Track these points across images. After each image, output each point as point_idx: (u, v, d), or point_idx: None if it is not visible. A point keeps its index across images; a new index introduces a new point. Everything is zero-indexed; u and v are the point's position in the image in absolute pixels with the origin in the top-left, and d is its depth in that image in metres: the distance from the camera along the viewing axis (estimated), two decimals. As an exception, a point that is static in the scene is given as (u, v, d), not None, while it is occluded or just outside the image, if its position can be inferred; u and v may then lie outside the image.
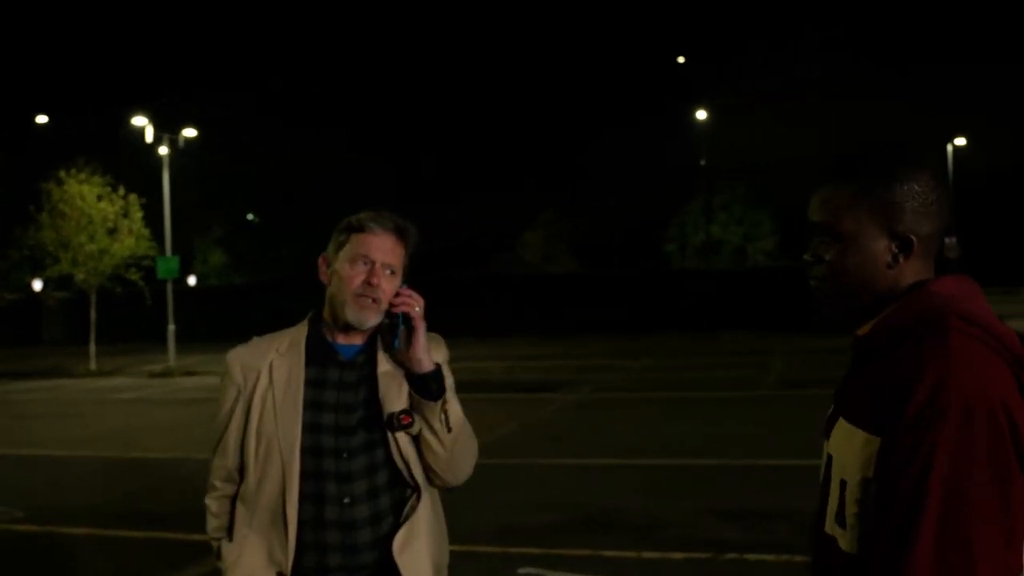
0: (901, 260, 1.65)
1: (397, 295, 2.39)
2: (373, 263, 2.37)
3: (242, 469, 2.43)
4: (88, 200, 24.33)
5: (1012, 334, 1.59)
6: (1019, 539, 1.48)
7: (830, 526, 1.66)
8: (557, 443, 10.96)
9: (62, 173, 24.53)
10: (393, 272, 2.41)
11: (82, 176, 24.50)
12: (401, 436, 2.38)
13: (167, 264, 25.29)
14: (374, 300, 2.36)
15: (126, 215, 24.87)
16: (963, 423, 1.45)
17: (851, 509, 1.59)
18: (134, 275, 24.90)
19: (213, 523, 2.50)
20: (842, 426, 1.66)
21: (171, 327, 25.21)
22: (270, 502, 2.36)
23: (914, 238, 1.64)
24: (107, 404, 16.98)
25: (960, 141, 42.73)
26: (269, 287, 37.84)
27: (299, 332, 2.48)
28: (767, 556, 6.09)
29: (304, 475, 2.34)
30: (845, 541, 1.60)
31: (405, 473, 2.40)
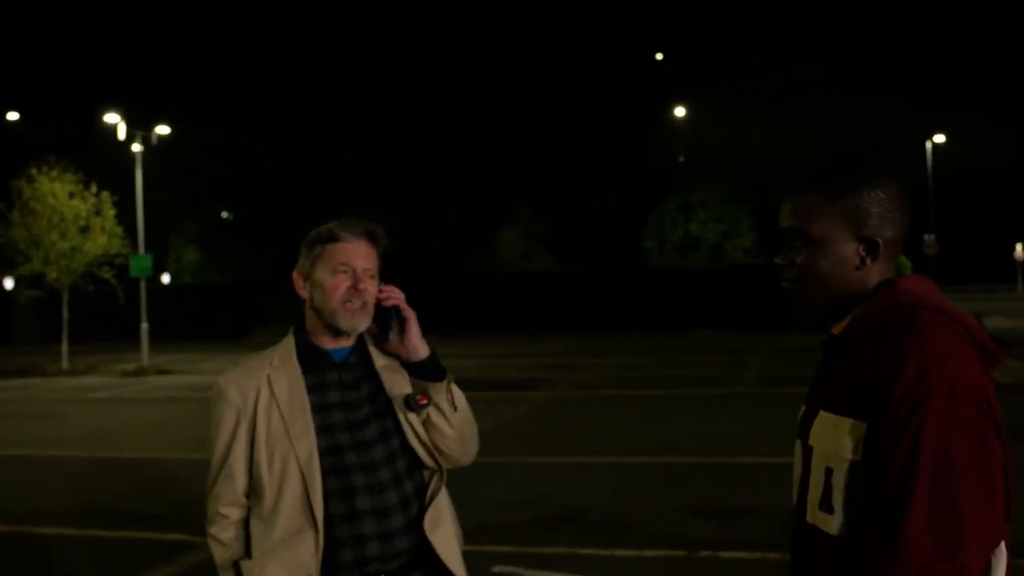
0: (868, 262, 1.78)
1: (380, 291, 2.48)
2: (354, 270, 2.44)
3: (250, 489, 2.43)
4: (60, 198, 24.06)
5: (974, 322, 1.74)
6: (1001, 506, 1.61)
7: (812, 516, 1.75)
8: (532, 441, 10.94)
9: (33, 171, 24.24)
10: (372, 276, 2.48)
11: (54, 174, 24.23)
12: (415, 422, 2.47)
13: (140, 262, 25.08)
14: (362, 304, 2.44)
15: (98, 213, 24.61)
16: (946, 401, 1.57)
17: (838, 494, 1.68)
18: (107, 273, 24.67)
19: (225, 554, 2.45)
20: (824, 418, 1.75)
21: (144, 325, 25.01)
22: (293, 510, 2.36)
23: (880, 241, 1.77)
24: (79, 403, 16.80)
25: (940, 139, 42.98)
26: (244, 286, 37.62)
27: (287, 345, 2.53)
28: (741, 553, 6.08)
29: (326, 474, 2.37)
30: (833, 525, 1.69)
31: (423, 455, 2.49)
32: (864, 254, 1.77)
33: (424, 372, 2.49)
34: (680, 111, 43.69)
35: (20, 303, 38.45)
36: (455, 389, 2.54)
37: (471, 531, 7.09)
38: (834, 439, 1.71)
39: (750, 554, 6.05)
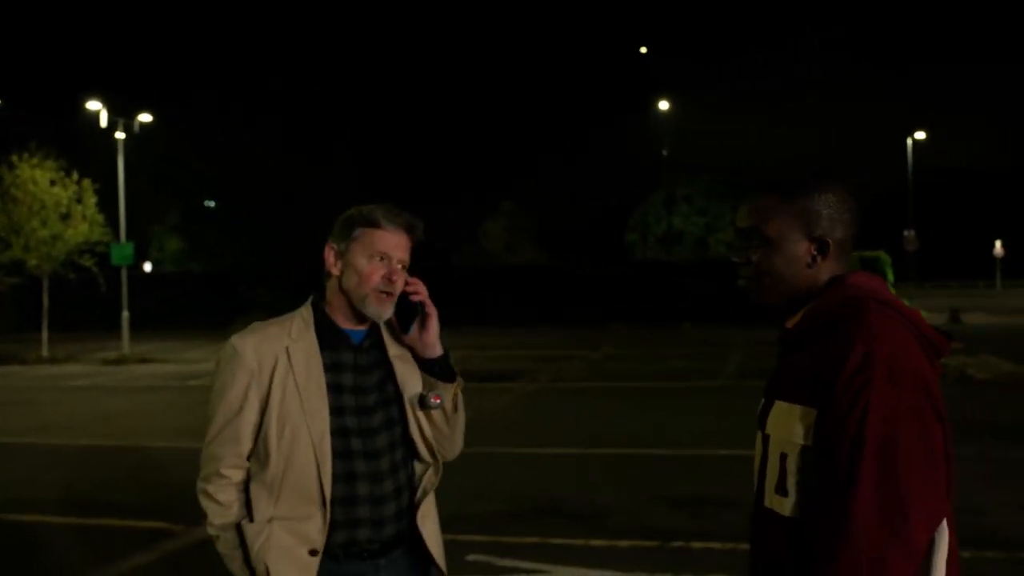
0: (819, 261, 1.90)
1: (407, 284, 2.51)
2: (391, 260, 2.46)
3: (253, 455, 2.44)
4: (41, 185, 23.91)
5: (918, 315, 1.86)
6: (942, 482, 1.72)
7: (769, 500, 1.86)
8: (510, 432, 10.98)
9: (14, 157, 24.09)
10: (404, 268, 2.51)
11: (35, 161, 24.08)
12: (422, 416, 2.52)
13: (121, 250, 24.96)
14: (391, 295, 2.47)
15: (80, 200, 24.48)
16: (889, 384, 1.68)
17: (792, 478, 1.80)
18: (88, 261, 24.55)
19: (221, 514, 2.43)
20: (779, 407, 1.87)
21: (125, 314, 24.92)
22: (301, 484, 2.39)
23: (830, 241, 1.89)
24: (59, 391, 16.74)
25: (920, 135, 43.13)
26: (226, 276, 37.48)
27: (304, 317, 2.52)
28: (713, 544, 6.15)
29: (334, 455, 2.41)
30: (787, 507, 1.80)
31: (423, 450, 2.55)
32: (815, 253, 1.89)
33: (435, 370, 2.53)
34: (664, 105, 43.76)
35: (0, 291, 38.24)
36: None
37: (446, 520, 7.13)
38: (787, 426, 1.82)
39: (723, 544, 6.11)
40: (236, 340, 2.45)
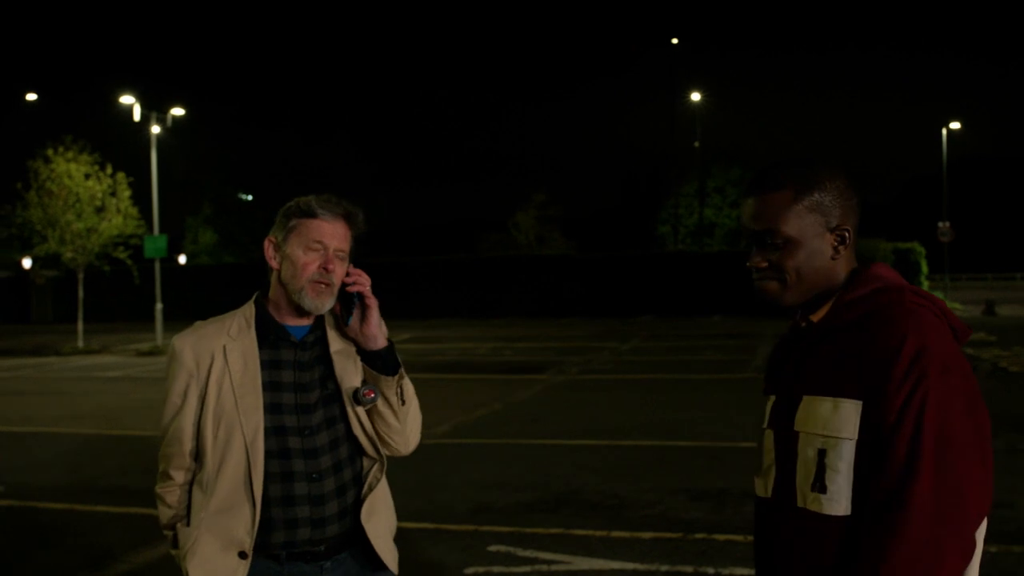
0: (842, 251, 1.87)
1: (348, 275, 2.45)
2: (327, 249, 2.41)
3: (197, 454, 2.44)
4: (76, 178, 24.24)
5: (945, 305, 1.85)
6: (991, 475, 1.72)
7: (803, 499, 1.80)
8: (537, 423, 11.00)
9: (49, 151, 24.42)
10: (343, 257, 2.45)
11: (70, 154, 24.40)
12: (361, 412, 2.46)
13: (155, 243, 25.24)
14: (328, 285, 2.42)
15: (114, 194, 24.78)
16: (943, 376, 1.69)
17: (834, 474, 1.75)
18: (122, 254, 24.85)
19: (168, 513, 2.50)
20: (813, 401, 1.81)
21: (159, 306, 25.20)
22: (232, 484, 2.37)
23: (849, 229, 1.87)
24: (93, 382, 16.97)
25: (955, 126, 42.54)
26: (260, 266, 37.70)
27: (246, 314, 2.50)
28: (735, 536, 6.13)
29: (270, 455, 2.38)
30: (827, 505, 1.75)
31: (367, 444, 2.49)
32: (837, 243, 1.86)
33: (378, 362, 2.47)
34: (696, 97, 43.49)
35: (37, 283, 38.77)
36: (406, 383, 2.52)
37: (470, 511, 7.17)
38: (827, 421, 1.77)
39: (745, 537, 6.08)
40: (176, 340, 2.49)
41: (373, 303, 2.46)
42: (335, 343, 2.49)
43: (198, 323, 2.53)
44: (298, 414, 2.41)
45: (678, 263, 34.85)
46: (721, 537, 6.13)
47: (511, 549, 5.95)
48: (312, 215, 2.43)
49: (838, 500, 1.74)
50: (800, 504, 1.80)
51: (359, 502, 2.47)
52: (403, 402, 2.49)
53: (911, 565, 1.62)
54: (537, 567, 5.61)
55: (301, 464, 2.39)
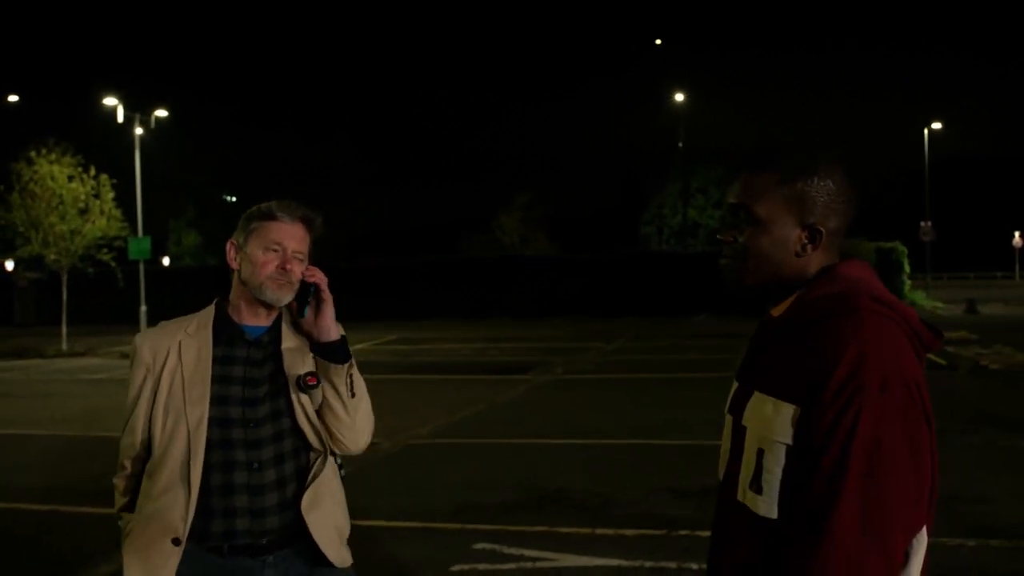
0: (809, 249, 1.80)
1: (306, 271, 2.54)
2: (285, 250, 2.51)
3: (149, 446, 2.52)
4: (59, 180, 24.12)
5: (912, 312, 1.77)
6: (926, 499, 1.67)
7: (742, 494, 1.77)
8: (521, 423, 11.04)
9: (32, 153, 24.31)
10: (301, 259, 2.55)
11: (53, 156, 24.29)
12: (307, 403, 2.52)
13: (139, 245, 25.17)
14: (288, 282, 2.52)
15: (97, 195, 24.69)
16: (881, 393, 1.61)
17: (768, 476, 1.71)
18: (106, 256, 24.77)
19: (120, 501, 2.61)
20: (758, 399, 1.77)
21: (143, 308, 25.15)
22: (172, 470, 2.45)
23: (823, 230, 1.79)
24: (77, 384, 16.91)
25: (937, 125, 42.84)
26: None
27: (207, 315, 2.63)
28: (718, 532, 6.17)
29: (212, 444, 2.45)
30: (761, 506, 1.72)
31: (312, 437, 2.53)
32: (806, 241, 1.79)
33: (330, 354, 2.54)
34: (680, 97, 43.65)
35: (20, 285, 38.56)
36: (356, 376, 2.58)
37: (455, 510, 7.19)
38: (768, 421, 1.73)
39: (727, 533, 6.14)
40: (138, 337, 2.61)
41: (328, 298, 2.54)
42: (288, 340, 2.57)
43: (162, 322, 2.65)
44: (243, 406, 2.49)
45: (663, 263, 34.95)
46: (704, 534, 6.17)
47: (496, 547, 5.99)
48: (271, 218, 2.54)
49: (770, 503, 1.71)
50: (739, 498, 1.78)
51: (301, 495, 2.51)
52: (352, 394, 2.55)
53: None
54: (522, 564, 5.66)
55: (243, 454, 2.46)
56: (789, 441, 1.68)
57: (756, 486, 1.73)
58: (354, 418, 2.56)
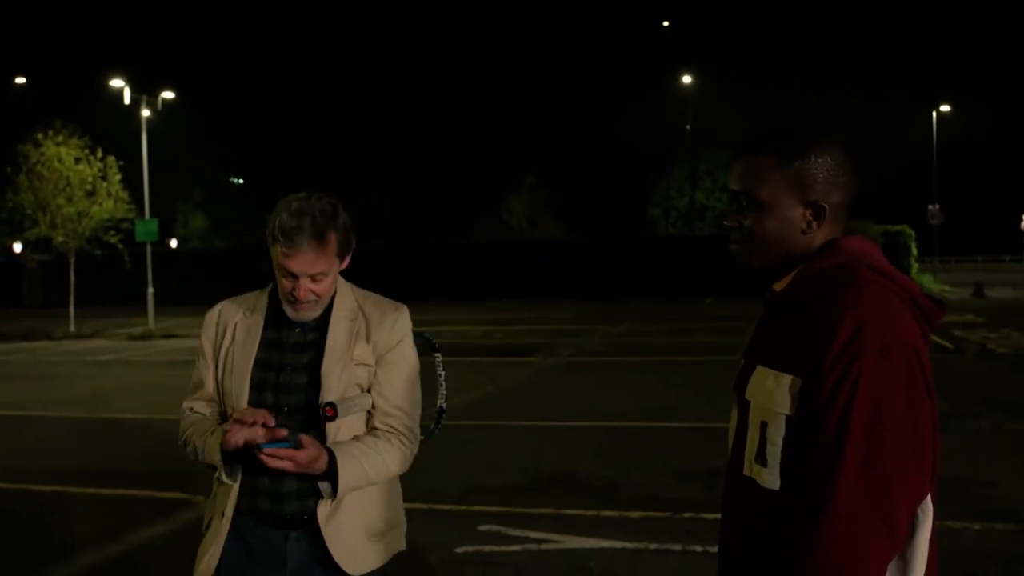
0: (814, 226, 1.82)
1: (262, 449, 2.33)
2: (298, 277, 2.43)
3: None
4: (66, 162, 24.16)
5: (913, 283, 1.79)
6: (928, 462, 1.67)
7: (748, 468, 1.80)
8: (527, 406, 11.05)
9: (40, 135, 24.33)
10: (320, 278, 2.45)
11: (60, 138, 24.31)
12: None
13: (146, 227, 25.18)
14: (306, 303, 2.48)
15: (104, 178, 24.72)
16: (879, 359, 1.62)
17: (772, 448, 1.74)
18: (113, 238, 24.82)
19: (182, 428, 2.62)
20: (761, 373, 1.80)
21: (150, 290, 25.18)
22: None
23: (826, 206, 1.80)
24: (85, 366, 16.98)
25: (945, 108, 42.60)
26: (251, 251, 37.71)
27: (265, 296, 2.62)
28: (724, 515, 6.18)
29: None
30: (767, 478, 1.74)
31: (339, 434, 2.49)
32: (811, 218, 1.81)
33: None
34: (687, 79, 43.48)
35: (28, 267, 38.68)
36: (349, 482, 2.43)
37: (461, 492, 7.21)
38: (770, 393, 1.75)
39: (733, 516, 6.15)
40: (219, 305, 2.66)
41: (284, 463, 2.33)
42: (335, 335, 2.50)
43: (234, 297, 2.69)
44: (276, 393, 2.48)
45: (671, 246, 34.91)
46: (710, 516, 6.18)
47: (501, 528, 6.00)
48: (277, 242, 2.42)
49: (774, 475, 1.73)
50: (746, 472, 1.80)
51: (315, 486, 2.45)
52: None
53: (836, 550, 1.60)
54: (527, 546, 5.67)
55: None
56: (790, 412, 1.70)
57: (761, 459, 1.75)
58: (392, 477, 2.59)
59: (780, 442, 1.72)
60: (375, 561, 2.55)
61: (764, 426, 1.76)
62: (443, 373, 2.78)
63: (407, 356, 2.57)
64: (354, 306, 2.56)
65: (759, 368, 1.81)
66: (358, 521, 2.51)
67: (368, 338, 2.52)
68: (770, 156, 1.82)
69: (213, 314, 2.63)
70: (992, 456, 7.71)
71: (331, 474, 2.39)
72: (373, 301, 2.61)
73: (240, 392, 2.47)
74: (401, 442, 2.54)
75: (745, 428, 1.83)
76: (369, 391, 2.51)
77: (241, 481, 2.47)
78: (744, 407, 1.85)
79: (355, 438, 2.49)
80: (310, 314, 2.49)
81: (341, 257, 2.49)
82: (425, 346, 2.75)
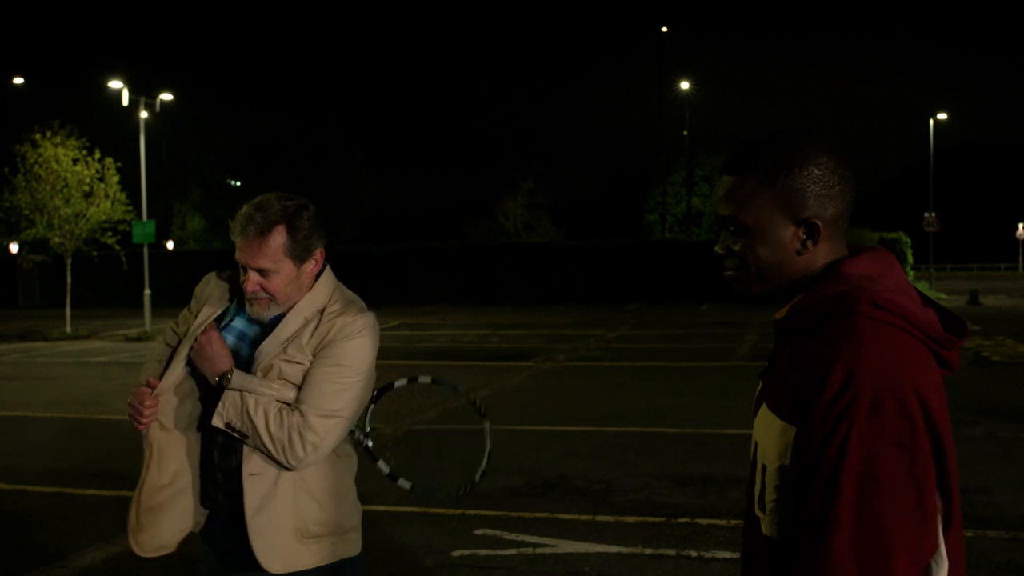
0: (810, 245, 1.66)
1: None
2: (249, 270, 2.44)
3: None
4: (64, 163, 24.13)
5: (928, 312, 1.64)
6: (932, 521, 1.52)
7: (756, 508, 1.70)
8: (524, 410, 11.07)
9: (37, 136, 24.31)
10: (269, 272, 2.42)
11: (57, 139, 24.29)
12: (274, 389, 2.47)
13: (143, 228, 25.18)
14: (260, 299, 2.47)
15: (102, 179, 24.69)
16: (872, 414, 1.48)
17: (770, 495, 1.63)
18: (110, 239, 24.81)
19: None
20: (764, 412, 1.69)
21: (147, 291, 25.17)
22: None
23: (819, 223, 1.65)
24: (81, 367, 16.97)
25: (942, 116, 42.70)
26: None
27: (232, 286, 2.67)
28: (719, 520, 6.22)
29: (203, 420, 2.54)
30: (765, 524, 1.65)
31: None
32: (804, 237, 1.66)
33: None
34: (685, 85, 43.57)
35: (24, 268, 38.65)
36: (244, 412, 2.41)
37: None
38: (769, 438, 1.65)
39: (728, 521, 6.18)
40: (205, 279, 2.72)
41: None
42: (284, 326, 2.49)
43: (218, 272, 2.71)
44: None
45: (667, 251, 34.95)
46: (704, 521, 6.22)
47: (497, 532, 6.03)
48: (234, 234, 2.44)
49: (772, 523, 1.63)
50: (756, 512, 1.70)
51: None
52: (244, 436, 2.43)
53: None
54: (523, 550, 5.70)
55: (220, 435, 2.49)
56: (786, 462, 1.59)
57: (762, 504, 1.67)
58: (254, 444, 2.43)
59: (776, 491, 1.62)
60: (307, 561, 2.47)
61: (764, 470, 1.66)
62: (489, 446, 2.69)
63: (338, 356, 2.45)
64: (319, 308, 2.50)
65: (763, 407, 1.70)
66: (288, 521, 2.44)
67: (315, 337, 2.46)
68: (751, 177, 1.67)
69: (202, 286, 2.71)
70: (986, 463, 7.74)
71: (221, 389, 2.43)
72: (344, 305, 2.54)
73: (176, 361, 2.53)
74: (299, 427, 2.39)
75: (754, 467, 1.74)
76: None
77: (204, 468, 2.55)
78: (755, 445, 1.74)
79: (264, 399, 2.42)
80: (264, 312, 2.47)
81: (297, 259, 2.44)
82: (472, 412, 2.67)
